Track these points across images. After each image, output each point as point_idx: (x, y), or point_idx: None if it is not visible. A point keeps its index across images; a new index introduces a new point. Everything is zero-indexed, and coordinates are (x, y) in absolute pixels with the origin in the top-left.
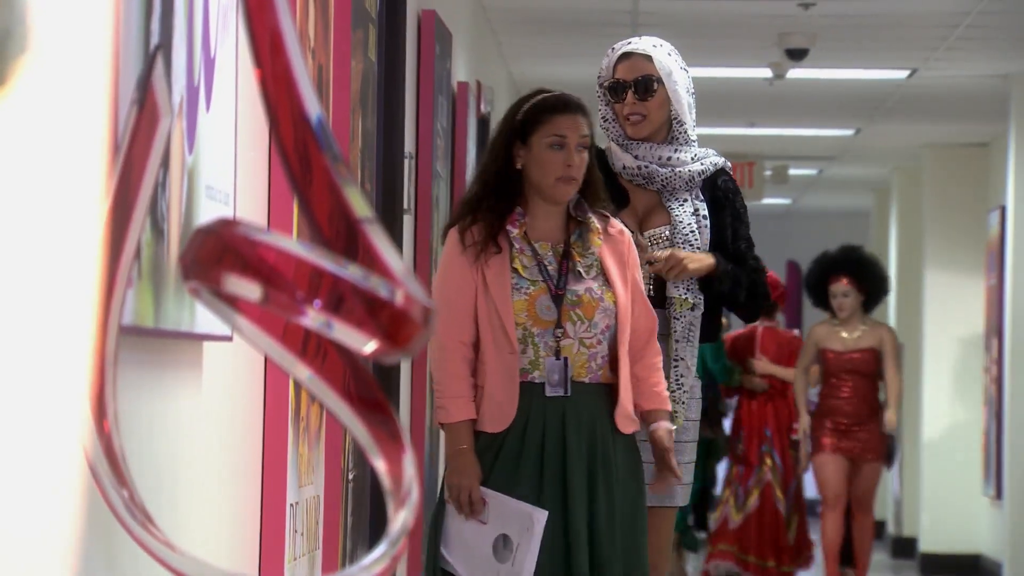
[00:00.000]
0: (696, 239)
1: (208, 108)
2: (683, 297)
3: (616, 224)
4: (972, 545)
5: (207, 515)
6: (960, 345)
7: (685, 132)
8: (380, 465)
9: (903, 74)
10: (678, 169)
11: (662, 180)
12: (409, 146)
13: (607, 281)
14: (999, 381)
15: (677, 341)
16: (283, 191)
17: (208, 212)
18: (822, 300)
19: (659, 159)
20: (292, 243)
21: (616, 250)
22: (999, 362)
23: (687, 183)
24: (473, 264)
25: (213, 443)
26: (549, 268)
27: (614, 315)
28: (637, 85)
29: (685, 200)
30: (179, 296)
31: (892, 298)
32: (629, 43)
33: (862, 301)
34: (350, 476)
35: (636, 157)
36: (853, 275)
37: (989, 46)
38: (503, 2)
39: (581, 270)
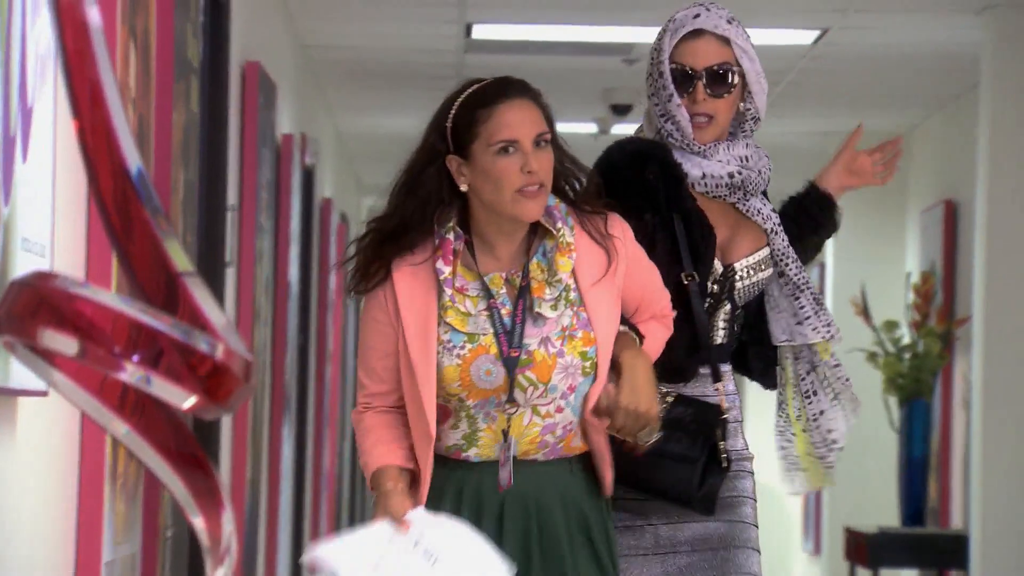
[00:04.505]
0: (792, 252)
1: (25, 159)
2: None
3: (610, 223)
4: None
5: (20, 573)
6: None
7: (755, 126)
8: (198, 522)
9: None
10: (764, 173)
11: (753, 187)
12: (232, 198)
13: (584, 317)
14: None
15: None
16: (102, 244)
17: (24, 265)
18: None
19: (740, 160)
20: (110, 296)
21: (598, 260)
22: None
23: (763, 187)
24: (394, 321)
25: (27, 499)
26: (503, 313)
27: (584, 369)
28: (711, 77)
29: (760, 209)
30: None
31: None
32: (697, 13)
33: None
34: (168, 533)
35: (722, 162)
36: None
37: (809, 104)
38: (329, 54)
39: (544, 308)
